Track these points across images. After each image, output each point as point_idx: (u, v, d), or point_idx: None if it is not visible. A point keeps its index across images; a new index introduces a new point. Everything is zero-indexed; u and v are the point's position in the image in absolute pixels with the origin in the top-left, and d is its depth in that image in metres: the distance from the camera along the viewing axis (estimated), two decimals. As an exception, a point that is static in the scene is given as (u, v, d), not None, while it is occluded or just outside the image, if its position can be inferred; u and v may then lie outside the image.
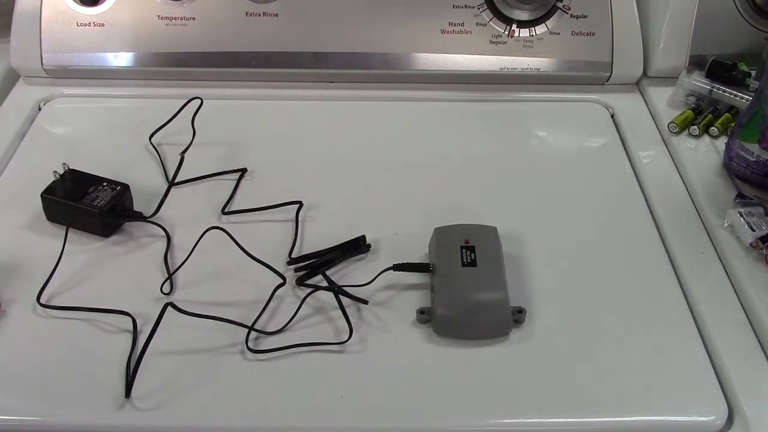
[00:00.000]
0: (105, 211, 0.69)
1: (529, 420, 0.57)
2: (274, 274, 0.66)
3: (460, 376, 0.59)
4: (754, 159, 0.75)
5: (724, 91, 0.87)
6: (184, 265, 0.67)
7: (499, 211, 0.74)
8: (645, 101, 0.91)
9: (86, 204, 0.69)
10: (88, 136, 0.84)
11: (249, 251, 0.67)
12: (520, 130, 0.86)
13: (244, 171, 0.78)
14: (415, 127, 0.86)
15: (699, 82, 0.88)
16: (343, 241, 0.69)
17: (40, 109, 0.87)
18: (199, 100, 0.83)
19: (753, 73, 0.88)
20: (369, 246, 0.70)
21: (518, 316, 0.63)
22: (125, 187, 0.72)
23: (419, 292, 0.66)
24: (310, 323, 0.63)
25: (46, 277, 0.66)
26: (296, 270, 0.67)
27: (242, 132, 0.84)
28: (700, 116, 0.86)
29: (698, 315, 0.65)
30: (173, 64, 0.89)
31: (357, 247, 0.69)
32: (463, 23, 0.90)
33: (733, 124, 0.83)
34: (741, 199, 0.74)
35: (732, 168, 0.78)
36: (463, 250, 0.64)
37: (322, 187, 0.77)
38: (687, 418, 0.57)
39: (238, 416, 0.56)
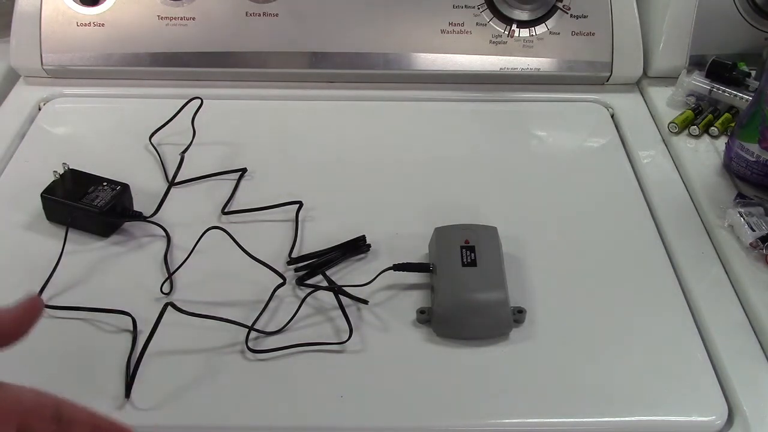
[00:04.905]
0: (105, 211, 0.69)
1: (529, 420, 0.57)
2: (274, 274, 0.66)
3: (460, 376, 0.59)
4: (754, 159, 0.75)
5: (724, 91, 0.87)
6: (184, 265, 0.67)
7: (499, 211, 0.73)
8: (645, 101, 0.91)
9: (86, 204, 0.69)
10: (88, 136, 0.84)
11: (249, 251, 0.67)
12: (520, 130, 0.86)
13: (244, 171, 0.78)
14: (415, 127, 0.86)
15: (699, 82, 0.88)
16: (343, 241, 0.69)
17: (40, 109, 0.87)
18: (199, 100, 0.83)
19: (753, 73, 0.88)
20: (369, 246, 0.70)
21: (518, 316, 0.63)
22: (125, 187, 0.72)
23: (419, 292, 0.66)
24: (310, 323, 0.63)
25: (46, 277, 0.66)
26: (296, 270, 0.67)
27: (242, 132, 0.84)
28: (700, 116, 0.86)
29: (698, 315, 0.65)
30: (173, 64, 0.89)
31: (357, 247, 0.69)
32: (463, 23, 0.90)
33: (733, 124, 0.83)
34: (741, 199, 0.74)
35: (732, 168, 0.78)
36: (463, 250, 0.64)
37: (322, 187, 0.77)
38: (687, 418, 0.57)
39: (238, 416, 0.56)
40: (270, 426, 0.57)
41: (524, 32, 0.90)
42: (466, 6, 0.89)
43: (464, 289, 0.62)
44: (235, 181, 0.77)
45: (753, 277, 0.67)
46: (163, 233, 0.70)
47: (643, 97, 0.92)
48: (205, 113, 0.83)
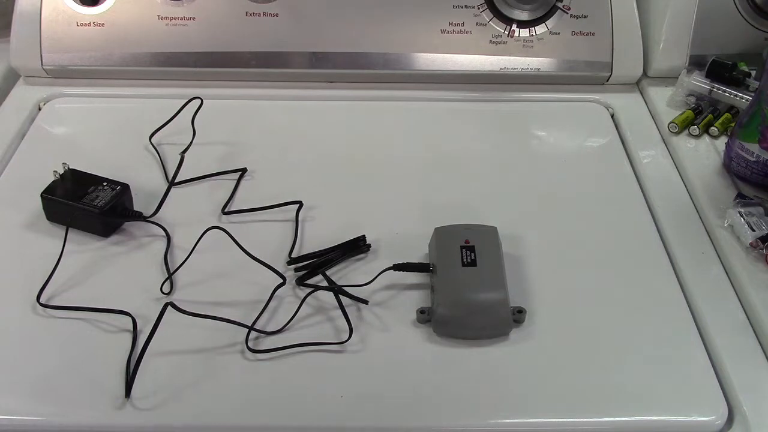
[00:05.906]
0: (105, 210, 0.69)
1: (529, 420, 0.57)
2: (274, 274, 0.66)
3: (460, 376, 0.59)
4: (754, 159, 0.75)
5: (724, 91, 0.87)
6: (184, 265, 0.67)
7: (499, 211, 0.73)
8: (645, 101, 0.91)
9: (86, 204, 0.69)
10: (88, 136, 0.84)
11: (249, 251, 0.67)
12: (520, 130, 0.86)
13: (244, 171, 0.78)
14: (415, 127, 0.86)
15: (699, 82, 0.88)
16: (343, 241, 0.69)
17: (40, 109, 0.87)
18: (199, 100, 0.83)
19: (753, 73, 0.88)
20: (369, 246, 0.70)
21: (518, 316, 0.63)
22: (125, 187, 0.72)
23: (419, 292, 0.66)
24: (310, 323, 0.63)
25: (46, 277, 0.66)
26: (296, 270, 0.67)
27: (242, 132, 0.84)
28: (700, 116, 0.86)
29: (698, 315, 0.65)
30: (173, 64, 0.89)
31: (357, 247, 0.69)
32: (463, 23, 0.90)
33: (733, 124, 0.83)
34: (741, 199, 0.74)
35: (732, 168, 0.78)
36: (463, 250, 0.64)
37: (322, 187, 0.77)
38: (687, 418, 0.57)
39: (238, 416, 0.56)
40: (270, 426, 0.57)
41: (524, 32, 0.90)
42: (466, 6, 0.89)
43: (464, 289, 0.62)
44: (235, 181, 0.77)
45: (753, 277, 0.67)
46: (163, 233, 0.70)
47: (643, 97, 0.92)
48: (205, 113, 0.83)
